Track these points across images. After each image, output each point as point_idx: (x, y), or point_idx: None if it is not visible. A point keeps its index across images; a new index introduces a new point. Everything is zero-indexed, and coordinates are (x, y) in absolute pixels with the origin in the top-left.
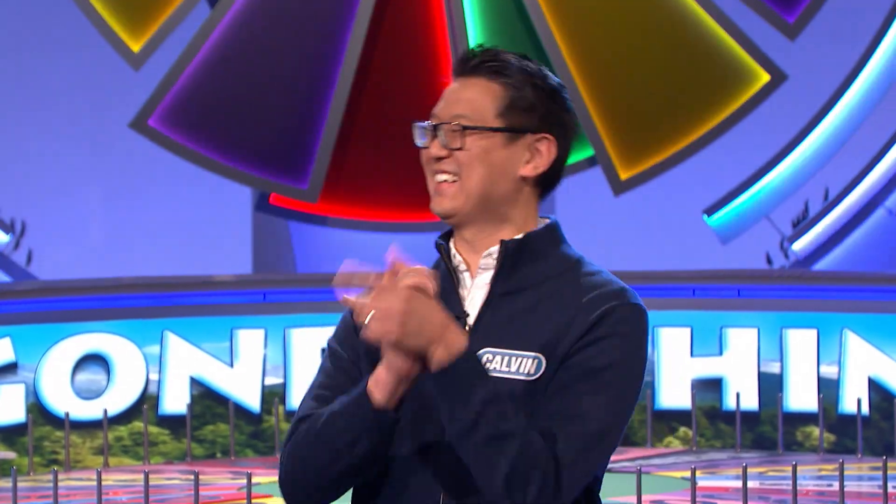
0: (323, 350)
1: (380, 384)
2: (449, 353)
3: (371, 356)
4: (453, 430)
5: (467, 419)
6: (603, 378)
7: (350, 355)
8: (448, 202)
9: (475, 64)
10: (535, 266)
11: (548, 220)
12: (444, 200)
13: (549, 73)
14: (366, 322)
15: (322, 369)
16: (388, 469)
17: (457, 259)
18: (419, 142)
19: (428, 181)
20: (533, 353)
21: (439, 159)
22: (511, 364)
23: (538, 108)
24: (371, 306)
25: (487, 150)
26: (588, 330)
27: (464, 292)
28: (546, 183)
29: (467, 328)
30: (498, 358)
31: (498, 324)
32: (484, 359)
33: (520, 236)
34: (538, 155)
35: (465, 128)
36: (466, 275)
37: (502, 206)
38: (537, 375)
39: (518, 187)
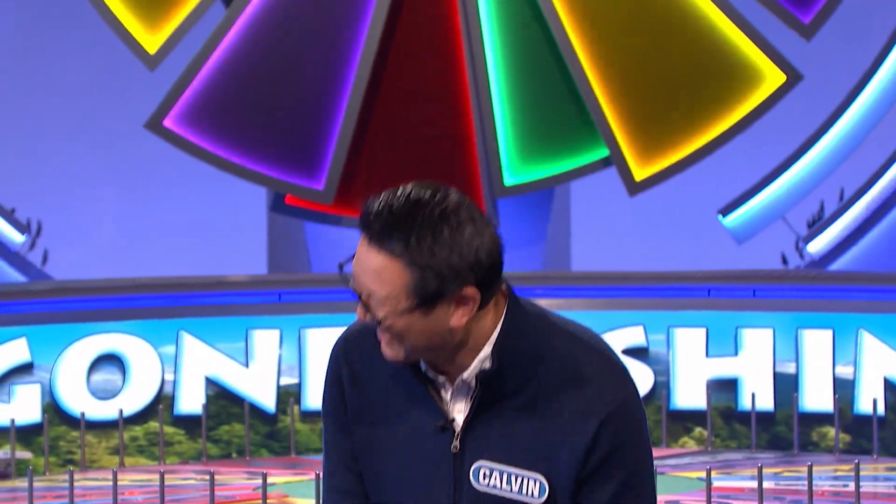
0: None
1: None
2: None
3: (358, 410)
4: None
5: None
6: (627, 490)
7: (342, 418)
8: (397, 355)
9: (376, 234)
10: (513, 374)
11: (504, 308)
12: (392, 353)
13: (446, 207)
14: None
15: (326, 454)
16: None
17: (431, 373)
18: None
19: None
20: (533, 474)
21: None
22: (513, 484)
23: (446, 275)
24: None
25: (408, 326)
26: (590, 449)
27: (445, 394)
28: (484, 303)
29: (456, 436)
30: (496, 474)
31: (488, 433)
32: (481, 473)
33: (489, 364)
34: (463, 304)
35: (383, 318)
36: (446, 383)
37: (450, 346)
38: (542, 500)
39: (456, 330)
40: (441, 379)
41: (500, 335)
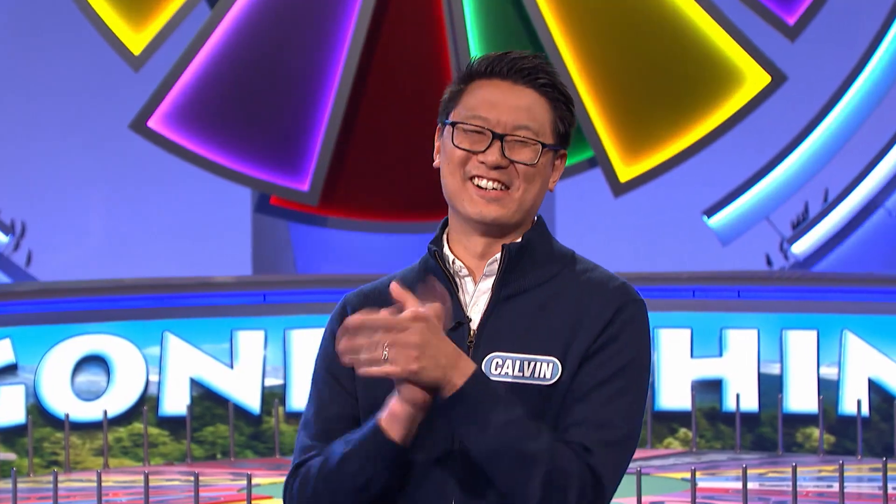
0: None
1: (396, 420)
2: (462, 379)
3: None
4: (477, 454)
5: (488, 443)
6: (621, 381)
7: (345, 378)
8: (501, 211)
9: (527, 73)
10: (535, 268)
11: (534, 218)
12: (495, 209)
13: None
14: (383, 358)
15: (316, 397)
16: (400, 488)
17: (457, 264)
18: (469, 145)
19: (459, 184)
20: (547, 357)
21: (496, 167)
22: (525, 369)
23: (569, 127)
24: (387, 343)
25: (545, 167)
26: (600, 332)
27: (464, 297)
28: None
29: (471, 333)
30: (509, 362)
31: (504, 328)
32: (493, 364)
33: (519, 240)
34: (556, 170)
35: (544, 145)
36: (468, 280)
37: (531, 217)
38: (553, 380)
39: (543, 196)
40: (465, 272)
41: (533, 227)
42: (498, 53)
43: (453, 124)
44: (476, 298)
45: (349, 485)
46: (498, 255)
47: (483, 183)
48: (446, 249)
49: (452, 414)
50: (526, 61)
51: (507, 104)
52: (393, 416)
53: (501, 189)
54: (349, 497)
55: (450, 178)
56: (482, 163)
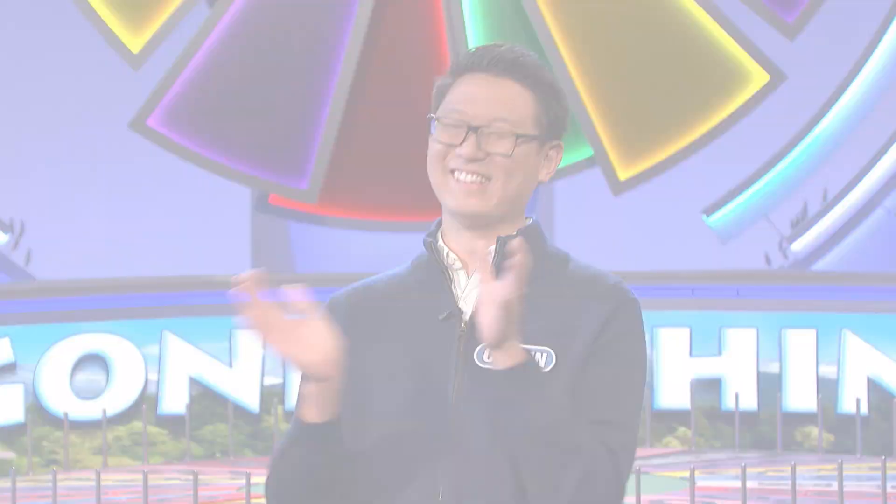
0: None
1: (306, 401)
2: (523, 350)
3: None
4: (531, 427)
5: (548, 416)
6: (626, 383)
7: None
8: (481, 203)
9: (507, 65)
10: (531, 258)
11: (531, 219)
12: (475, 202)
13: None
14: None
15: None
16: (386, 476)
17: (451, 257)
18: (447, 139)
19: (441, 177)
20: (541, 347)
21: (473, 160)
22: None
23: (557, 117)
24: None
25: (527, 157)
26: (600, 332)
27: (456, 290)
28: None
29: (462, 326)
30: None
31: None
32: (486, 352)
33: (513, 233)
34: (550, 161)
35: (519, 136)
36: (461, 273)
37: (517, 206)
38: (548, 368)
39: (533, 187)
40: (458, 265)
41: (528, 225)
42: (482, 46)
43: (434, 119)
44: (468, 292)
45: (294, 475)
46: (492, 248)
47: (462, 176)
48: (440, 242)
49: (518, 381)
50: (507, 53)
51: (486, 97)
52: (302, 399)
53: (481, 182)
54: (301, 485)
55: (432, 172)
56: (460, 156)
